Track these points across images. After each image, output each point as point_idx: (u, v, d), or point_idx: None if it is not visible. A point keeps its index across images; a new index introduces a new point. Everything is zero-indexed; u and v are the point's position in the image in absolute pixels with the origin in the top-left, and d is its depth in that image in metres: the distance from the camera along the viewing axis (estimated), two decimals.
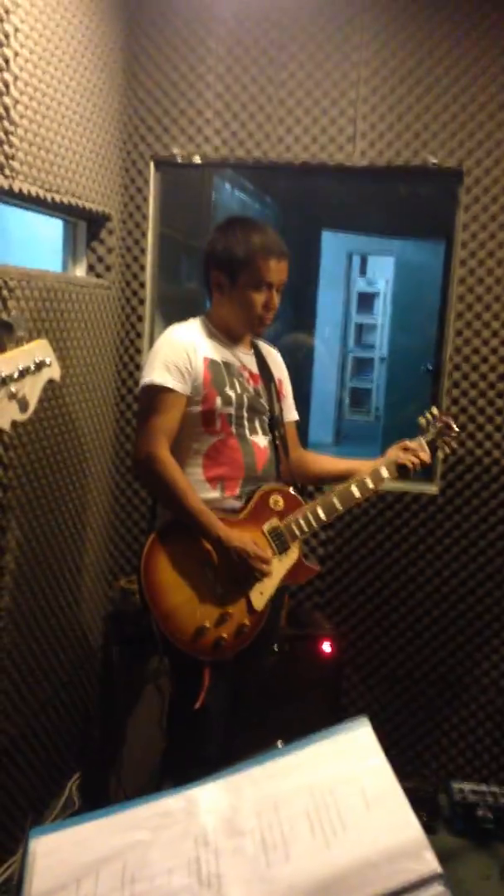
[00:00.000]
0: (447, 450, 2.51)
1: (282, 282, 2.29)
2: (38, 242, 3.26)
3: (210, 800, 0.99)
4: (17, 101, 2.23)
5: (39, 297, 2.46)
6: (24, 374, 1.18)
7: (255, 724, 2.49)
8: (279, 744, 1.06)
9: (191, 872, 0.89)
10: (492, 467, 3.05)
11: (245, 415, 2.29)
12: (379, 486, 2.36)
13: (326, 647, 2.88)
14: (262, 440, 2.33)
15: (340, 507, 2.32)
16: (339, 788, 0.94)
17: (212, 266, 2.30)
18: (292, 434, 2.52)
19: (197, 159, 3.10)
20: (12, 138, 2.23)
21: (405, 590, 3.16)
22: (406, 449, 2.38)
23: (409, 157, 2.99)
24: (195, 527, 2.16)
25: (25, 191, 2.31)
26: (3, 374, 1.16)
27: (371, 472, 2.35)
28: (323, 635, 2.91)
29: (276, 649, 2.50)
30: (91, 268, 3.06)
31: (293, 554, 2.31)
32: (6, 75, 2.17)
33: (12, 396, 1.17)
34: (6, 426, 1.18)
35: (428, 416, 2.45)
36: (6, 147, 2.21)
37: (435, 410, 2.46)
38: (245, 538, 2.18)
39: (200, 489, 2.23)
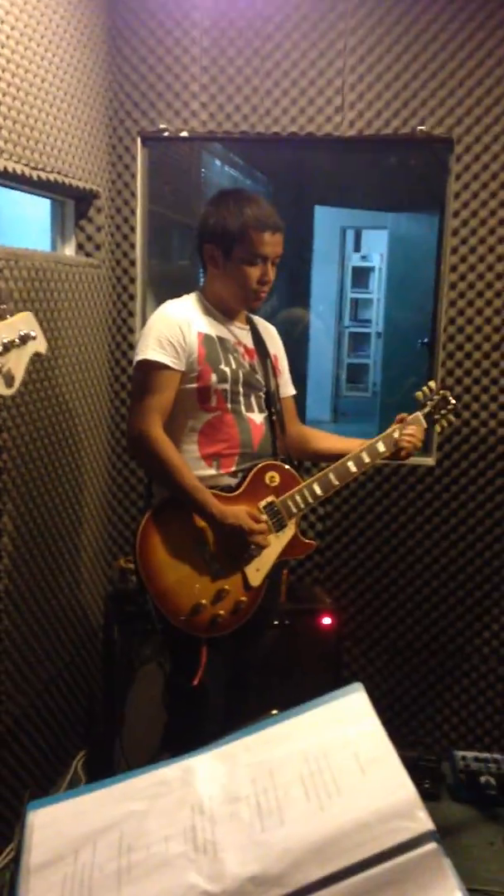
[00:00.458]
0: (444, 423, 2.48)
1: (277, 255, 2.25)
2: (26, 223, 3.23)
3: (206, 768, 1.00)
4: None
5: (28, 278, 2.44)
6: (8, 347, 1.16)
7: (257, 699, 2.50)
8: (274, 712, 1.06)
9: (187, 840, 0.90)
10: (488, 437, 3.05)
11: (241, 391, 2.26)
12: (375, 460, 2.35)
13: (327, 620, 2.89)
14: (258, 416, 2.31)
15: (337, 483, 2.31)
16: (334, 753, 0.94)
17: (205, 240, 2.26)
18: (290, 409, 2.51)
19: (184, 133, 3.07)
20: None
21: (404, 562, 3.16)
22: (404, 426, 2.36)
23: (399, 125, 2.95)
24: (190, 504, 2.15)
25: (10, 169, 2.29)
26: None
27: (368, 446, 2.34)
28: (323, 609, 2.92)
29: (275, 623, 2.50)
30: (80, 247, 3.03)
31: (289, 531, 2.30)
32: None
33: None
34: None
35: (425, 390, 2.43)
36: None
37: (432, 384, 2.44)
38: (239, 512, 2.17)
39: (196, 466, 2.21)
